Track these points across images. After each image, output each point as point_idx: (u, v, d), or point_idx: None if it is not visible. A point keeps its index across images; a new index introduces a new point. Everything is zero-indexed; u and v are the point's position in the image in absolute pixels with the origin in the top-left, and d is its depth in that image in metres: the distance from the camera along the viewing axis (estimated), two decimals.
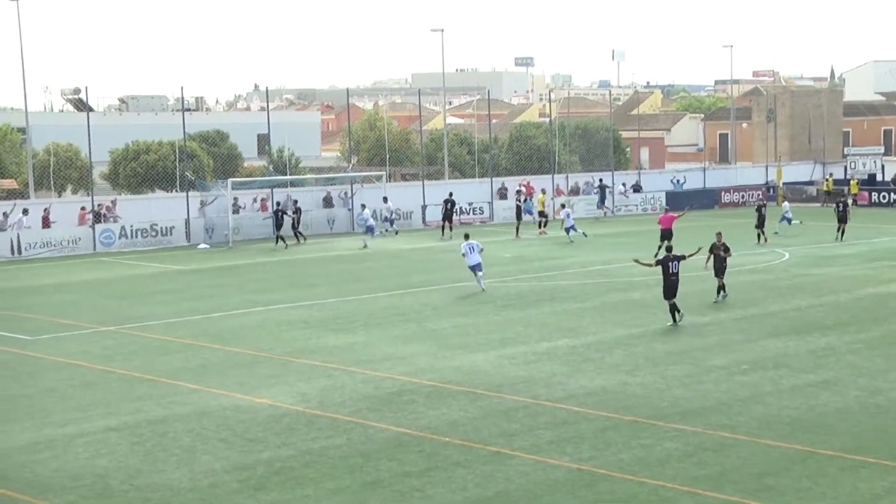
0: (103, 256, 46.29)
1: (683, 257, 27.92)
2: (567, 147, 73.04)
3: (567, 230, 47.89)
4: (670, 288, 27.35)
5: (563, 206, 51.75)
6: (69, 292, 36.02)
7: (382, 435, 18.21)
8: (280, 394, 21.10)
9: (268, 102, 61.16)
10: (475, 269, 33.79)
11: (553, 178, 63.29)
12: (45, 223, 47.23)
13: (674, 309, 27.40)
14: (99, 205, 49.27)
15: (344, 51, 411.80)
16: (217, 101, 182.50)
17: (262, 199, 53.85)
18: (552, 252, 44.42)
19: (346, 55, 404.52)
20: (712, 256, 30.58)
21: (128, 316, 30.65)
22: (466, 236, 36.22)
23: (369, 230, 48.37)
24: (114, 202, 50.70)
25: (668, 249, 28.35)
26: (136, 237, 49.19)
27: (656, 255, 36.11)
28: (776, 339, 25.61)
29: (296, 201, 52.66)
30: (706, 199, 67.23)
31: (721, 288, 30.59)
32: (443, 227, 52.31)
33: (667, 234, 41.09)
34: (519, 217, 51.48)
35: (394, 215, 52.79)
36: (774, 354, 23.90)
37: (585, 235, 47.92)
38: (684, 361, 23.41)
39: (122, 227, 48.85)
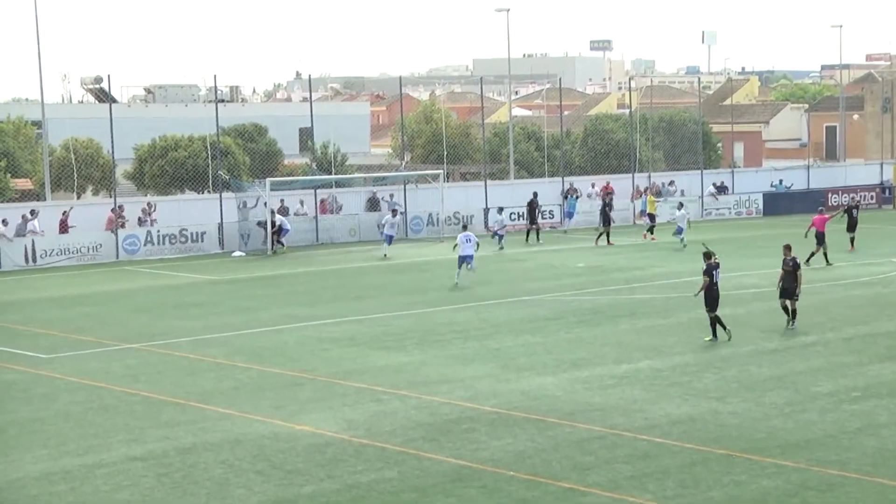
0: (127, 265, 46.83)
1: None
2: (650, 142, 72.66)
3: (677, 234, 48.20)
4: (714, 299, 27.73)
5: (680, 205, 50.65)
6: (89, 305, 36.45)
7: (439, 468, 18.18)
8: (323, 420, 21.16)
9: (311, 92, 61.49)
10: (465, 260, 37.19)
11: (633, 177, 62.99)
12: (63, 227, 47.82)
13: (716, 322, 27.78)
14: (142, 209, 49.82)
15: (396, 34, 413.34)
16: (254, 91, 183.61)
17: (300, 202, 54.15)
18: (632, 261, 44.19)
19: (398, 39, 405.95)
20: (783, 274, 29.10)
21: (153, 332, 30.94)
22: (464, 227, 40.28)
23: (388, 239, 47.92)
24: (150, 205, 51.03)
25: (708, 256, 28.10)
26: (164, 244, 49.68)
27: (807, 261, 37.60)
28: (892, 362, 25.23)
29: (282, 200, 52.65)
30: (810, 201, 66.51)
31: (791, 314, 29.17)
32: (528, 232, 52.19)
33: (821, 238, 40.87)
34: (606, 221, 50.89)
35: (504, 229, 50.48)
36: (890, 380, 23.56)
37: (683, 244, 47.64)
38: (785, 387, 23.15)
39: (149, 233, 49.33)
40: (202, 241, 50.69)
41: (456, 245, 38.21)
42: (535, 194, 55.05)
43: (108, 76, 55.70)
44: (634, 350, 27.09)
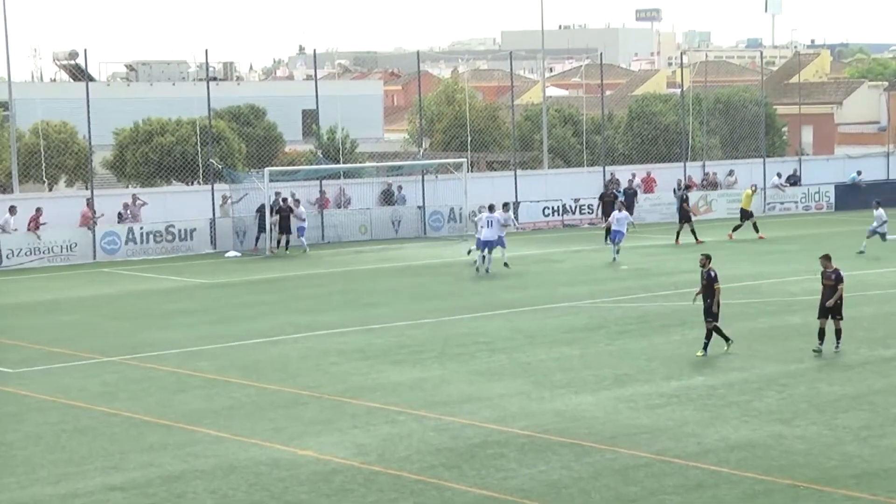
0: (105, 266, 47.00)
1: (715, 280, 27.88)
2: (704, 126, 72.55)
3: (882, 235, 46.20)
4: (706, 309, 27.86)
5: (877, 204, 47.01)
6: (62, 312, 36.59)
7: (461, 499, 18.19)
8: (329, 444, 21.20)
9: (315, 69, 61.60)
10: (487, 246, 34.42)
11: (685, 166, 62.88)
12: (34, 224, 47.94)
13: (711, 333, 27.80)
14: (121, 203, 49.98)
15: (413, 3, 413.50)
16: (251, 69, 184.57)
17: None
18: (683, 263, 44.08)
19: (416, 9, 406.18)
20: (823, 290, 27.99)
21: (136, 343, 31.03)
22: (491, 207, 37.68)
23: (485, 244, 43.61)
24: (135, 198, 50.95)
25: (705, 261, 28.11)
26: (148, 242, 49.86)
27: None
28: None
29: (285, 199, 51.78)
30: (889, 193, 66.20)
31: (836, 334, 28.01)
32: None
33: None
34: (686, 218, 50.20)
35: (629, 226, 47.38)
36: None
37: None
38: (860, 408, 23.09)
39: (130, 230, 49.50)
40: (191, 239, 50.85)
41: (480, 227, 36.58)
42: (612, 180, 54.62)
43: (85, 51, 55.93)
44: (686, 365, 27.04)
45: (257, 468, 19.89)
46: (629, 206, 53.91)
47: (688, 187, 57.93)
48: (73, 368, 28.14)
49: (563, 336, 30.74)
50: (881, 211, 46.44)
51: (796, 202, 64.56)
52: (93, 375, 27.31)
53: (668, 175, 62.87)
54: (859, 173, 67.29)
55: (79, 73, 76.69)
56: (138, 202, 50.55)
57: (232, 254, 49.90)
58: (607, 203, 53.68)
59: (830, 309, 27.69)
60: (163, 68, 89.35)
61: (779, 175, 65.36)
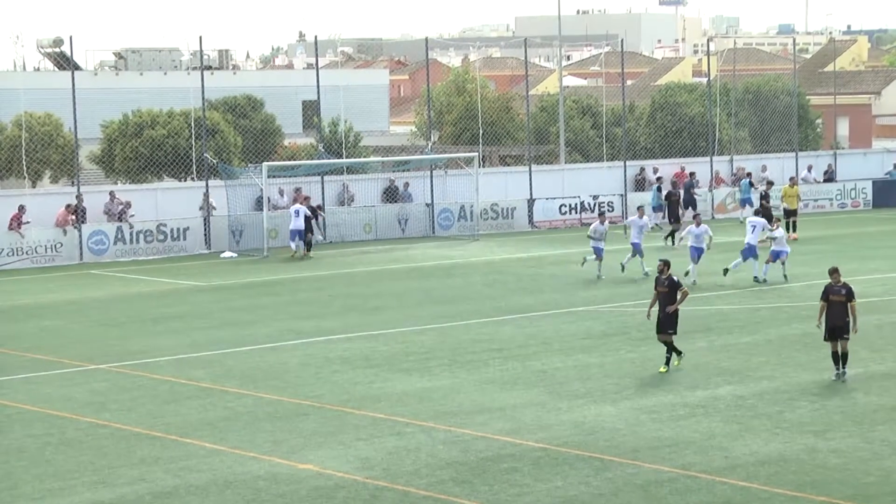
0: (93, 268, 47.07)
1: (679, 285, 27.41)
2: (732, 118, 72.48)
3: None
4: (664, 319, 27.17)
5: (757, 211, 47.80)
6: (46, 317, 36.66)
7: None
8: (331, 458, 21.23)
9: (317, 57, 61.61)
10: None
11: (711, 160, 62.84)
12: (17, 223, 48.02)
13: (670, 349, 27.21)
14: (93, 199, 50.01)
15: None
16: (248, 57, 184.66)
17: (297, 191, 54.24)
18: (710, 264, 44.04)
19: None
20: (825, 306, 26.24)
21: (126, 350, 31.09)
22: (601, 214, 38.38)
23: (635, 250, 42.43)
24: (112, 195, 51.03)
25: (663, 267, 27.58)
26: (138, 242, 49.92)
27: None
28: None
29: (307, 197, 51.41)
30: None
31: (841, 358, 26.27)
32: (672, 234, 48.81)
33: None
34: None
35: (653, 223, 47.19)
36: None
37: None
38: None
39: (119, 229, 49.57)
40: (184, 238, 50.91)
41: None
42: (689, 173, 55.16)
43: (71, 38, 55.58)
44: (713, 373, 27.03)
45: (255, 483, 19.92)
46: (690, 203, 54.04)
47: (769, 183, 56.31)
48: (57, 377, 28.19)
49: (581, 342, 30.75)
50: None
51: (831, 199, 64.49)
52: (79, 384, 27.37)
53: (694, 169, 62.81)
54: None
55: (64, 62, 76.74)
56: (116, 200, 50.49)
57: (227, 254, 49.92)
58: (674, 203, 51.92)
59: (837, 329, 25.99)
60: (153, 56, 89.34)
61: (809, 169, 65.24)
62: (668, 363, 27.37)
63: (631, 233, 42.31)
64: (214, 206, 51.37)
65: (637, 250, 41.84)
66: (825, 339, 26.29)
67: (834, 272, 26.34)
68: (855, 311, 26.07)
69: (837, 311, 26.01)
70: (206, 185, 51.78)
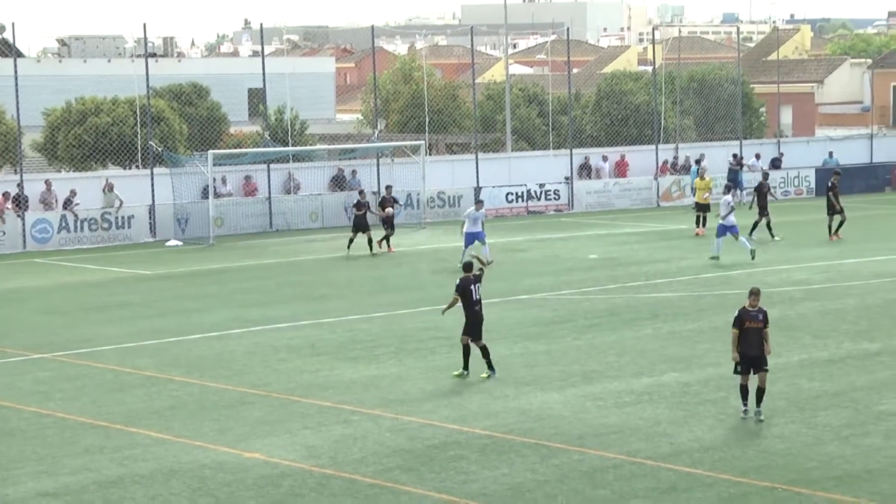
0: (36, 256, 46.75)
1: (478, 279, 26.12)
2: (677, 106, 72.77)
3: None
4: (474, 324, 25.91)
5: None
6: None
7: None
8: (278, 446, 21.18)
9: (262, 45, 61.37)
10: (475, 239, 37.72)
11: (657, 149, 63.08)
12: None
13: (484, 354, 25.84)
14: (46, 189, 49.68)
15: None
16: (193, 44, 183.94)
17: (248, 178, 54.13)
18: (656, 252, 44.29)
19: None
20: (738, 335, 22.77)
21: (70, 339, 30.90)
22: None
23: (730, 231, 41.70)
24: (49, 184, 50.75)
25: (467, 268, 26.23)
26: (83, 230, 49.62)
27: None
28: None
29: (362, 191, 49.55)
30: (872, 178, 66.62)
31: (757, 394, 22.56)
32: (755, 224, 46.85)
33: None
34: (834, 210, 47.12)
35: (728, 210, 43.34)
36: None
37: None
38: (842, 405, 23.24)
39: (63, 217, 49.23)
40: (129, 226, 50.65)
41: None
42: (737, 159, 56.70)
43: (13, 24, 55.02)
44: (658, 360, 27.13)
45: (201, 472, 19.85)
46: (735, 182, 54.82)
47: (837, 173, 50.60)
48: (0, 366, 27.97)
49: (527, 330, 30.78)
50: (728, 197, 42.81)
51: (775, 187, 64.75)
52: (23, 373, 27.18)
53: (639, 158, 63.06)
54: (831, 155, 67.53)
55: (6, 49, 76.06)
56: (53, 190, 50.09)
57: (173, 243, 49.73)
58: (763, 195, 48.16)
59: (754, 360, 22.58)
60: (97, 43, 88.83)
61: (757, 157, 65.45)
62: (465, 367, 25.96)
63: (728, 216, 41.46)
64: (121, 199, 50.44)
65: (733, 232, 41.46)
66: (735, 372, 22.78)
67: (754, 294, 22.80)
68: (768, 337, 22.82)
69: (754, 339, 22.57)
70: (152, 172, 51.52)
